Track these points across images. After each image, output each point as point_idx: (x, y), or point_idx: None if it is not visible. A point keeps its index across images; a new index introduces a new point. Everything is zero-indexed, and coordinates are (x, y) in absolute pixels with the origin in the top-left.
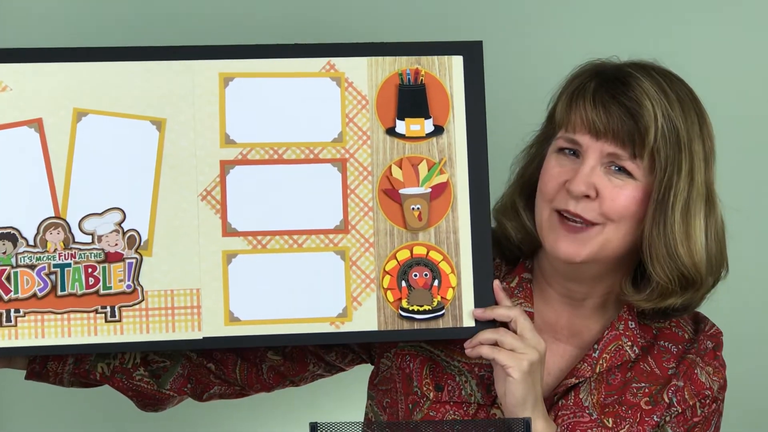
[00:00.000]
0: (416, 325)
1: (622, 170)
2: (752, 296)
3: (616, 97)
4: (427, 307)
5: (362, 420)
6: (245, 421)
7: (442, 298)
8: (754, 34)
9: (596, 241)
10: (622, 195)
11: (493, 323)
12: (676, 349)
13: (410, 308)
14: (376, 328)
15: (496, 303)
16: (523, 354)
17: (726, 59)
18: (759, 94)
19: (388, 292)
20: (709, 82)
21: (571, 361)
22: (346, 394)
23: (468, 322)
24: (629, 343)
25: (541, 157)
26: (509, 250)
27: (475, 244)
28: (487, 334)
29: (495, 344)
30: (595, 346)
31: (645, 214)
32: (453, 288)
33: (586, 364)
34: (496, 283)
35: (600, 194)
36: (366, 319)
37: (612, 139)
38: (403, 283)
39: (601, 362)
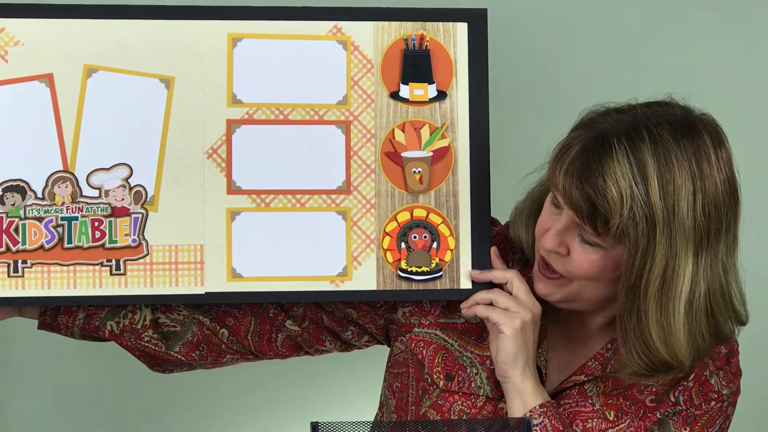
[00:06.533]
0: (414, 286)
1: (589, 240)
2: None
3: (582, 180)
4: (425, 269)
5: (362, 418)
6: (245, 421)
7: (440, 260)
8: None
9: (569, 289)
10: (587, 261)
11: (490, 285)
12: None
13: (409, 269)
14: (375, 288)
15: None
16: (517, 313)
17: None
18: None
19: (388, 253)
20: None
21: (583, 360)
22: (348, 392)
23: (465, 283)
24: None
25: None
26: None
27: (474, 208)
28: (483, 294)
29: (490, 304)
30: (609, 346)
31: (615, 280)
32: (451, 250)
33: (597, 363)
34: (494, 249)
35: (570, 254)
36: (365, 279)
37: (576, 215)
38: (403, 245)
39: (612, 362)
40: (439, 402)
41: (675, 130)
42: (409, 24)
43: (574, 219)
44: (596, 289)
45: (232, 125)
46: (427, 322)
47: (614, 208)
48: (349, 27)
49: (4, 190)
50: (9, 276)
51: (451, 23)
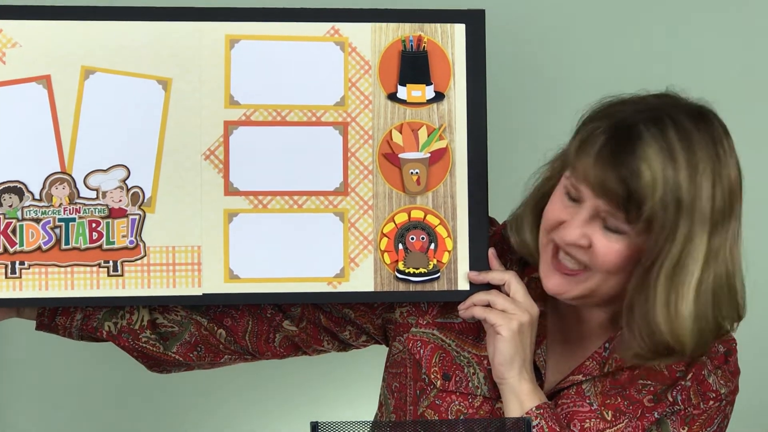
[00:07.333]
0: (412, 287)
1: (617, 228)
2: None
3: (616, 164)
4: (422, 270)
5: (362, 418)
6: (245, 420)
7: (437, 261)
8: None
9: (586, 285)
10: (613, 251)
11: (488, 287)
12: None
13: (406, 270)
14: (372, 289)
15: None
16: (514, 314)
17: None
18: None
19: (385, 254)
20: None
21: (580, 359)
22: (347, 392)
23: (463, 285)
24: None
25: (557, 178)
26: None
27: (471, 209)
28: (480, 296)
29: (488, 305)
30: (606, 345)
31: (631, 272)
32: (449, 252)
33: (594, 362)
34: (491, 250)
35: (593, 246)
36: (363, 280)
37: (608, 202)
38: (400, 246)
39: (610, 362)
40: (437, 402)
41: (692, 117)
42: (406, 25)
43: (599, 209)
44: (614, 283)
45: (229, 126)
46: (425, 322)
47: (647, 192)
48: (346, 28)
49: (2, 192)
50: (6, 277)
51: (448, 24)
